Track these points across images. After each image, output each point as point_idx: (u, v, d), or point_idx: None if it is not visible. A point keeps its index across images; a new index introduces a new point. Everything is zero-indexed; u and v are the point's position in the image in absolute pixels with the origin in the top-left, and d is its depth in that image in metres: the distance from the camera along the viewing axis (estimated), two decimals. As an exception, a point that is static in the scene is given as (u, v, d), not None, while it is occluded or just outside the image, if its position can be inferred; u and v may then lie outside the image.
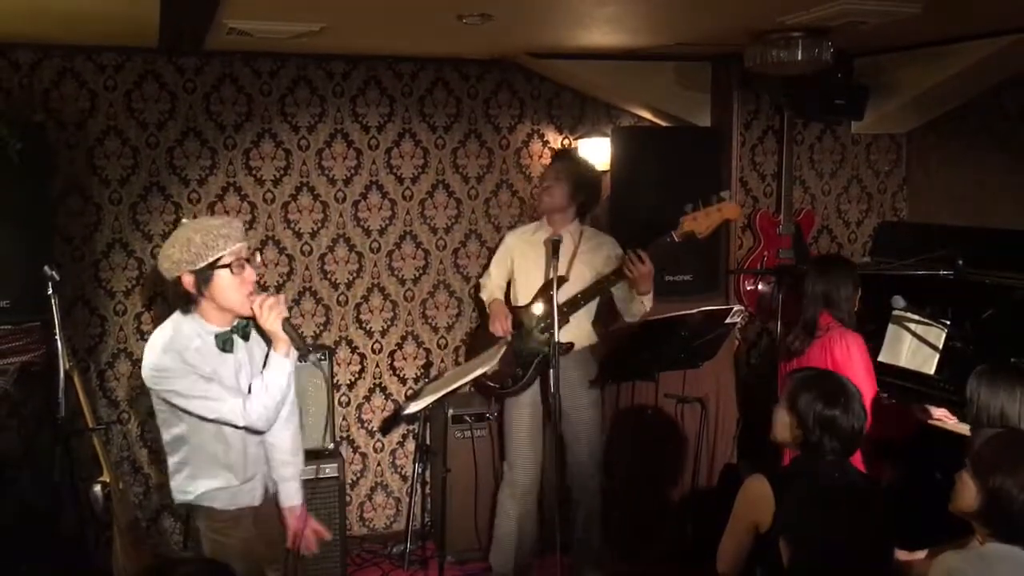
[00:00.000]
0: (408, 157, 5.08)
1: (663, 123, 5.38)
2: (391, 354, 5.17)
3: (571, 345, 4.25)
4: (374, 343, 5.12)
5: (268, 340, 3.08)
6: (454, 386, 3.95)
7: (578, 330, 4.34)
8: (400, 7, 3.59)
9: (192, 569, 1.69)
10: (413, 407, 4.01)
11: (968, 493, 2.46)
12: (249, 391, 3.06)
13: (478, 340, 4.72)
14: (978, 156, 5.20)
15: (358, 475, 5.17)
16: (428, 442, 4.92)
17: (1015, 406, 3.00)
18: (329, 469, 4.60)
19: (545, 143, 5.28)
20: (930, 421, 4.09)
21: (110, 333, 4.71)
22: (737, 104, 5.24)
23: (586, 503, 4.47)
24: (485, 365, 4.08)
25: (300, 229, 4.94)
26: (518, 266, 4.53)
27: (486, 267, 4.86)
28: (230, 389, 3.01)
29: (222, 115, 4.76)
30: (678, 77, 5.18)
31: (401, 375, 5.19)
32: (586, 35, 4.30)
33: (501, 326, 4.40)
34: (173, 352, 2.93)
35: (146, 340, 4.63)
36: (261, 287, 3.18)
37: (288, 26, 3.89)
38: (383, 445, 5.22)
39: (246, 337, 3.10)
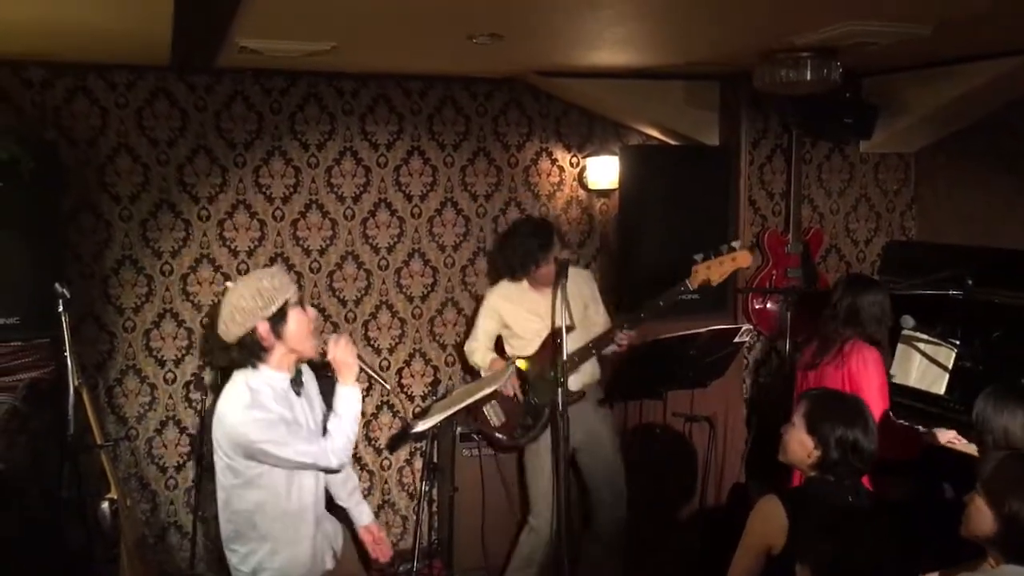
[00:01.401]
0: (417, 175, 5.09)
1: (671, 142, 5.39)
2: (399, 371, 5.17)
3: (582, 394, 4.25)
4: (382, 360, 5.12)
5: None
6: (463, 405, 3.95)
7: (587, 373, 4.40)
8: (411, 27, 3.61)
9: None
10: (422, 425, 4.00)
11: (982, 519, 2.44)
12: (324, 431, 3.09)
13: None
14: (987, 175, 5.20)
15: (365, 493, 5.16)
16: (436, 460, 4.90)
17: (1018, 426, 2.97)
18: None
19: (554, 161, 5.29)
20: (939, 444, 4.07)
21: (119, 350, 4.71)
22: (745, 123, 5.26)
23: (607, 539, 4.44)
24: (493, 385, 4.08)
25: (309, 246, 4.95)
26: (512, 320, 4.50)
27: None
28: (312, 432, 3.07)
29: (232, 132, 4.78)
30: (687, 96, 5.19)
31: (409, 392, 5.19)
32: (595, 55, 4.31)
33: (509, 384, 4.38)
34: (258, 406, 2.94)
35: (155, 357, 4.72)
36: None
37: (299, 45, 3.91)
38: (391, 463, 5.21)
39: (298, 387, 3.12)
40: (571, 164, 5.33)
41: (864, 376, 3.79)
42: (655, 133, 5.39)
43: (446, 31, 3.65)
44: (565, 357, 3.95)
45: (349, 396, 3.10)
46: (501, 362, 4.51)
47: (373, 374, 3.27)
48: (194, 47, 4.02)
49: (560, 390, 3.91)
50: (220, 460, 3.04)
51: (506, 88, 5.17)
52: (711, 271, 4.16)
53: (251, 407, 2.93)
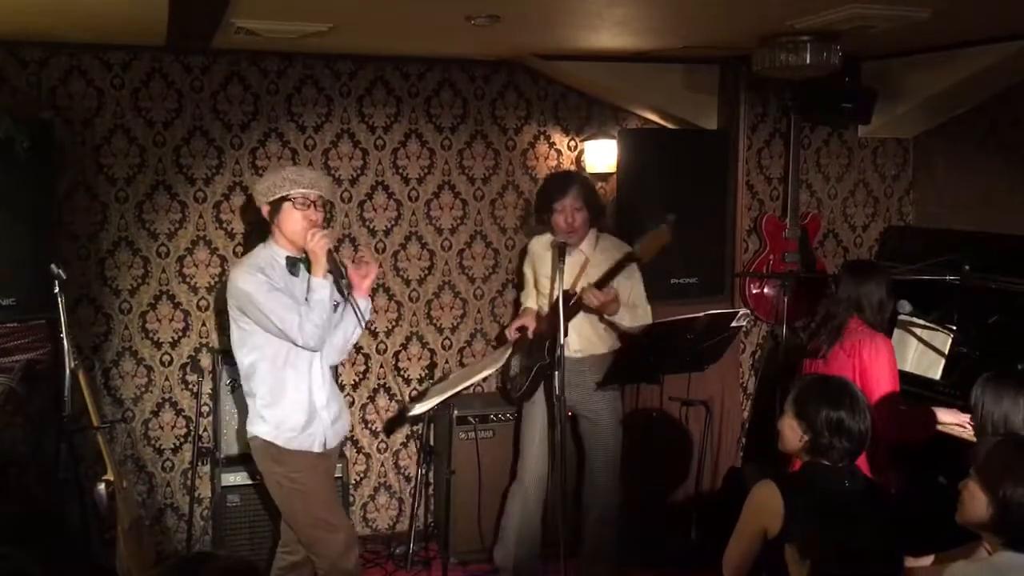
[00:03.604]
0: (414, 158, 5.07)
1: (670, 125, 5.37)
2: (396, 355, 5.16)
3: (553, 361, 4.20)
4: (379, 343, 5.11)
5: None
6: (460, 387, 3.96)
7: (586, 338, 4.35)
8: (409, 8, 3.59)
9: (218, 566, 1.71)
10: (419, 408, 4.01)
11: (977, 504, 2.44)
12: None
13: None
14: (985, 161, 5.19)
15: (361, 475, 5.17)
16: (432, 443, 4.91)
17: (1020, 414, 2.98)
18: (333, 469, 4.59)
19: (551, 144, 5.28)
20: (941, 428, 4.06)
21: (115, 331, 4.70)
22: (744, 107, 5.24)
23: (599, 510, 4.45)
24: (490, 367, 4.09)
25: (306, 229, 4.92)
26: (538, 273, 4.54)
27: (493, 268, 5.11)
28: (297, 305, 3.61)
29: (229, 114, 4.75)
30: (685, 80, 5.17)
31: (405, 376, 5.19)
32: (594, 37, 4.29)
33: (508, 331, 4.46)
34: (252, 266, 3.64)
35: (151, 339, 4.74)
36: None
37: (296, 26, 3.89)
38: (387, 446, 5.22)
39: (305, 269, 3.71)
40: (569, 147, 5.32)
41: (876, 364, 3.76)
42: (653, 117, 5.38)
43: (444, 12, 3.63)
44: (562, 333, 3.94)
45: (314, 286, 3.64)
46: (528, 309, 4.55)
47: (334, 264, 3.66)
48: (190, 27, 4.00)
49: (557, 369, 3.93)
50: (231, 321, 3.72)
51: (504, 71, 5.15)
52: (643, 248, 4.13)
53: (251, 266, 3.65)
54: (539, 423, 4.44)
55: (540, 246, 4.56)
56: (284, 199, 3.64)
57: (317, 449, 3.74)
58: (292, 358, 3.67)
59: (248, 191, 4.79)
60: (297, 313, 3.58)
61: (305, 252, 3.68)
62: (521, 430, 4.58)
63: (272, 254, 3.70)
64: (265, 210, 3.69)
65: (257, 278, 3.60)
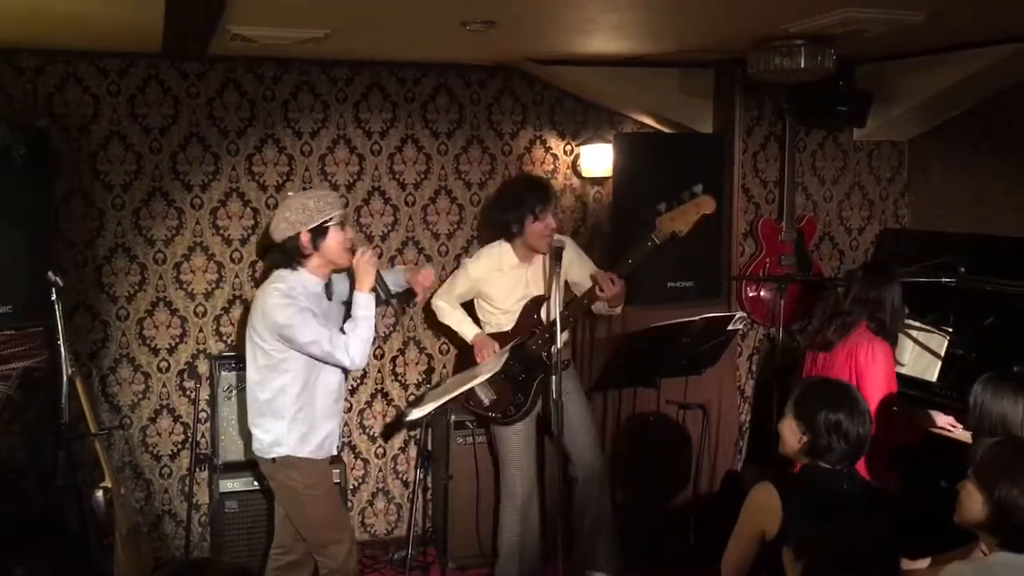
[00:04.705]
0: (411, 163, 5.08)
1: (665, 129, 5.38)
2: (393, 359, 5.16)
3: (568, 362, 4.19)
4: (376, 348, 5.11)
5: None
6: (457, 392, 3.96)
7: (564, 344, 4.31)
8: (404, 14, 3.60)
9: (218, 571, 1.73)
10: (416, 413, 4.01)
11: (974, 504, 2.45)
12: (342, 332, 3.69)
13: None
14: (980, 163, 5.21)
15: (360, 481, 5.17)
16: (430, 448, 4.91)
17: (1019, 414, 2.98)
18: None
19: (547, 149, 5.28)
20: (934, 429, 4.08)
21: (112, 338, 4.70)
22: (739, 110, 5.25)
23: (592, 509, 4.44)
24: (487, 372, 4.08)
25: (302, 234, 4.92)
26: (490, 294, 4.43)
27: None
28: (337, 331, 3.67)
29: (225, 120, 4.76)
30: (681, 83, 5.18)
31: (403, 380, 5.19)
32: (589, 42, 4.31)
33: (489, 355, 4.34)
34: (290, 299, 3.58)
35: (148, 346, 4.72)
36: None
37: (292, 32, 3.90)
38: (384, 451, 5.21)
39: (330, 292, 3.76)
40: (565, 152, 5.32)
41: (871, 369, 3.75)
42: (649, 121, 5.39)
43: (439, 17, 3.64)
44: (559, 338, 3.93)
45: (361, 302, 3.68)
46: (482, 335, 4.45)
47: (383, 294, 3.78)
48: (186, 34, 4.00)
49: (554, 377, 3.92)
50: (253, 345, 3.69)
51: (500, 76, 5.15)
52: (676, 221, 4.05)
53: (285, 295, 3.59)
54: (516, 437, 4.38)
55: (484, 268, 4.44)
56: (328, 223, 3.65)
57: (334, 452, 3.90)
58: (324, 374, 3.73)
59: (245, 197, 4.81)
60: (341, 337, 3.64)
61: (340, 271, 3.77)
62: (499, 449, 4.48)
63: (303, 282, 3.68)
64: (305, 238, 3.62)
65: (296, 307, 3.58)
